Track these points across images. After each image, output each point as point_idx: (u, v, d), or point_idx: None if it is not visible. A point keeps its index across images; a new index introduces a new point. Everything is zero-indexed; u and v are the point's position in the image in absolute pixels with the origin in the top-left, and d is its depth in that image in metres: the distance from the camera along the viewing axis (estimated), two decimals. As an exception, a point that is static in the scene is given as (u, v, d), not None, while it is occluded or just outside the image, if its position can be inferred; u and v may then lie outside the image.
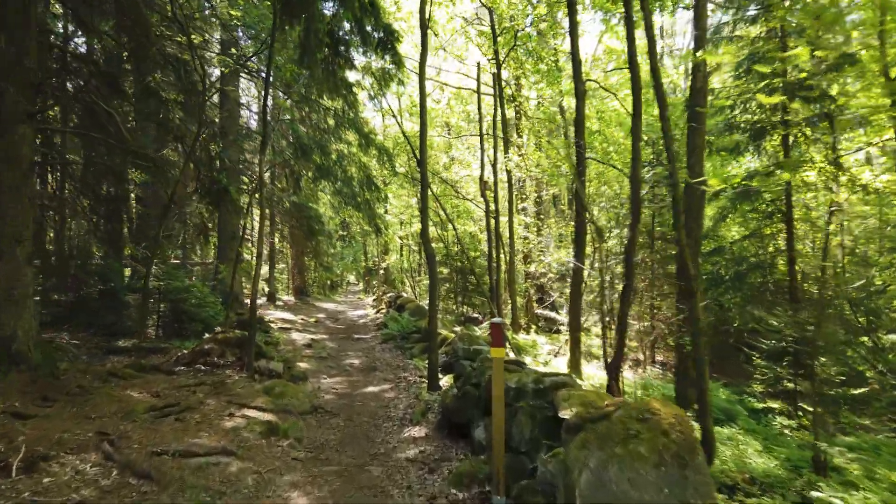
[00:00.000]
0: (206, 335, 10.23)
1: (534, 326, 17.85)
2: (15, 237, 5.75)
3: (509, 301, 17.52)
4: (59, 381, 5.93)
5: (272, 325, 15.37)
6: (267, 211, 25.93)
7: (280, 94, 19.31)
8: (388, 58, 7.74)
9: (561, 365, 12.86)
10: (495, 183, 10.11)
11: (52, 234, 13.65)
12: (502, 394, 4.12)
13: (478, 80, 11.28)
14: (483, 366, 6.07)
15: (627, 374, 12.79)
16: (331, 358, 11.96)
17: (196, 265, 18.94)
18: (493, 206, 10.43)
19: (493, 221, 10.18)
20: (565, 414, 4.05)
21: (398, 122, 9.48)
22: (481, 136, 10.31)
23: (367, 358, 12.09)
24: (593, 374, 11.66)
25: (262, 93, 8.54)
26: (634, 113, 5.76)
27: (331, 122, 18.50)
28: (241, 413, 6.38)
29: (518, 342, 10.32)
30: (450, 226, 19.32)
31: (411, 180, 17.69)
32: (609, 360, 6.48)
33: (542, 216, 20.70)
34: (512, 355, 8.50)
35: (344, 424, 6.87)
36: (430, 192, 8.18)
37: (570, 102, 13.69)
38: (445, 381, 8.62)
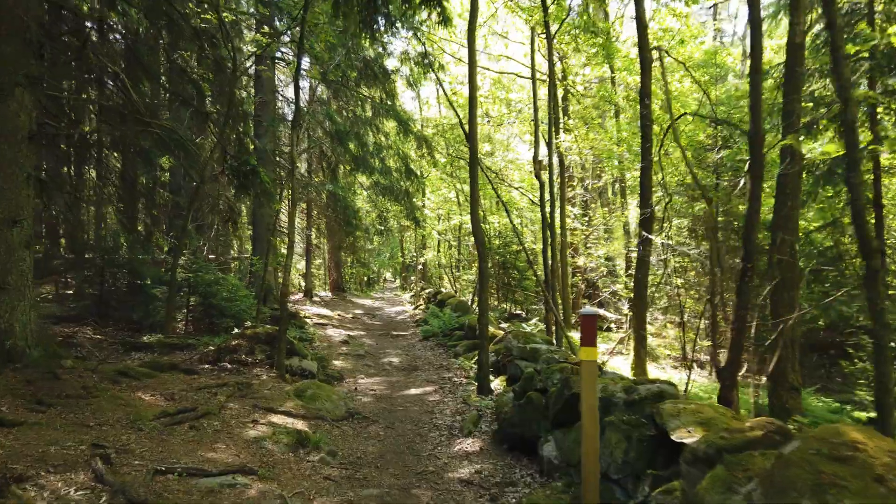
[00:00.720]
0: (236, 331, 9.49)
1: (562, 325, 16.68)
2: (8, 218, 5.02)
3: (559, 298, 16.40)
4: (60, 381, 5.18)
5: (308, 320, 14.65)
6: (304, 205, 25.44)
7: (316, 83, 18.68)
8: (434, 15, 6.74)
9: (620, 366, 11.72)
10: (549, 164, 9.07)
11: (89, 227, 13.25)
12: (596, 404, 3.11)
13: (532, 43, 10.18)
14: (550, 368, 5.06)
15: (674, 373, 11.58)
16: (368, 356, 11.13)
17: (234, 259, 18.43)
18: (547, 190, 9.34)
19: (547, 205, 9.12)
20: (683, 437, 3.01)
21: (443, 89, 8.44)
22: (535, 110, 9.26)
23: (407, 356, 11.22)
24: (656, 375, 10.48)
25: (296, 60, 7.69)
26: (753, 47, 4.64)
27: (368, 111, 17.74)
28: (267, 419, 5.53)
29: (574, 340, 9.26)
30: (492, 217, 18.32)
31: (456, 159, 16.69)
32: (718, 362, 5.35)
33: (591, 206, 19.48)
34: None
35: (384, 433, 5.96)
36: (479, 170, 7.19)
37: (624, 78, 12.53)
38: (497, 383, 7.63)
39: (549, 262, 9.11)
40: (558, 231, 10.61)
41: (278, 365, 7.53)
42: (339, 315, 17.58)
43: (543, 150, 11.14)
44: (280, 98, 19.43)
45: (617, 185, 19.87)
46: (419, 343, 12.91)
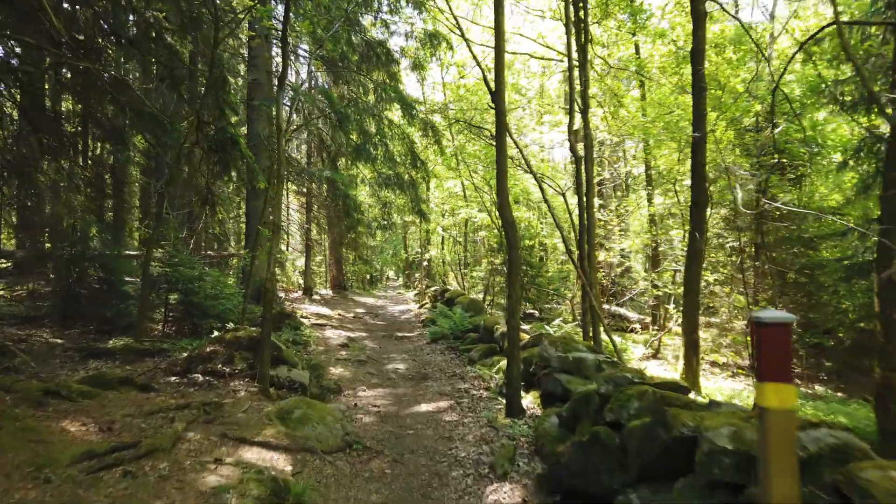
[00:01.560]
0: (216, 334, 8.12)
1: (601, 325, 15.29)
2: None
3: (576, 294, 14.98)
4: (-50, 408, 3.83)
5: (305, 320, 13.29)
6: (303, 199, 24.06)
7: (310, 62, 17.36)
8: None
9: (658, 371, 10.32)
10: (586, 134, 7.64)
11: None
12: (797, 493, 1.72)
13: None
14: (624, 394, 3.66)
15: (727, 383, 10.18)
16: (371, 361, 9.75)
17: (233, 256, 17.07)
18: (583, 167, 7.86)
19: (583, 183, 7.68)
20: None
21: (459, 30, 6.98)
22: (570, 69, 7.81)
23: (414, 362, 9.85)
24: (710, 388, 9.05)
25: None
26: None
27: (371, 96, 16.43)
28: (236, 456, 4.16)
29: (618, 345, 7.87)
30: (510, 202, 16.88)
31: (465, 145, 15.36)
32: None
33: (612, 196, 18.08)
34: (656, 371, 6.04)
35: (391, 472, 4.58)
36: (507, 133, 5.79)
37: (658, 48, 11.09)
38: (530, 400, 6.24)
39: (587, 250, 7.69)
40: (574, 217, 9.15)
41: (261, 377, 6.15)
42: (339, 314, 16.23)
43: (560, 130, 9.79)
44: (276, 80, 18.13)
45: (638, 173, 18.42)
46: (427, 346, 11.54)
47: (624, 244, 15.30)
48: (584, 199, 7.58)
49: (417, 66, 16.87)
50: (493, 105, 5.84)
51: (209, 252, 15.97)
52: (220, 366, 6.54)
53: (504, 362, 8.01)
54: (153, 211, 10.09)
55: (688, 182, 14.61)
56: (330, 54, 13.83)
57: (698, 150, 7.48)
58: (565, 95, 18.16)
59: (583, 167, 7.67)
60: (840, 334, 11.75)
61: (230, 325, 8.36)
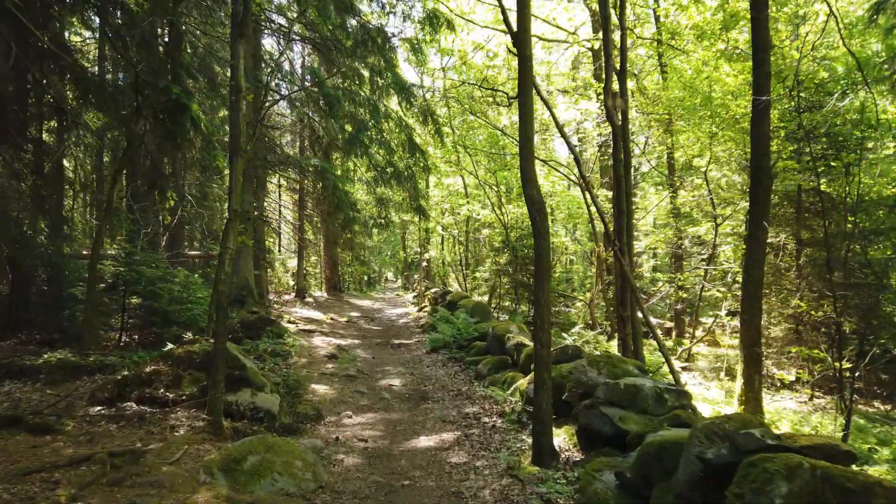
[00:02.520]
0: (169, 346, 6.67)
1: (655, 338, 13.84)
2: None
3: (593, 297, 13.55)
4: None
5: (291, 325, 11.86)
6: (295, 196, 22.66)
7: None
8: None
9: (695, 388, 8.91)
10: (624, 97, 6.16)
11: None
12: None
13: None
14: (762, 471, 2.19)
15: (786, 403, 8.73)
16: (361, 377, 8.32)
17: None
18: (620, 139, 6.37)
19: (621, 160, 6.22)
20: None
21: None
22: (605, 17, 6.33)
23: (412, 377, 8.43)
24: (775, 411, 7.53)
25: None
26: None
27: (366, 87, 15.10)
28: (140, 546, 2.72)
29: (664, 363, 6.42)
30: (508, 205, 15.51)
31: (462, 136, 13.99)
32: None
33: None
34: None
35: (375, 559, 3.14)
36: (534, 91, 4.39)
37: (691, 17, 9.64)
38: (563, 438, 4.78)
39: (626, 241, 6.27)
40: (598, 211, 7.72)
41: (211, 406, 4.70)
42: (331, 319, 14.80)
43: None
44: (266, 67, 16.72)
45: (648, 168, 16.96)
46: (427, 357, 10.14)
47: (643, 242, 13.86)
48: (623, 178, 6.15)
49: (416, 50, 15.53)
50: (514, 50, 4.42)
51: (189, 251, 14.61)
52: (161, 390, 5.10)
53: (521, 381, 6.60)
54: (97, 199, 8.64)
55: (715, 173, 13.26)
56: (321, 34, 12.50)
57: (762, 120, 6.06)
58: (578, 79, 16.74)
59: (620, 138, 6.23)
60: (883, 340, 10.39)
61: (188, 336, 6.93)
